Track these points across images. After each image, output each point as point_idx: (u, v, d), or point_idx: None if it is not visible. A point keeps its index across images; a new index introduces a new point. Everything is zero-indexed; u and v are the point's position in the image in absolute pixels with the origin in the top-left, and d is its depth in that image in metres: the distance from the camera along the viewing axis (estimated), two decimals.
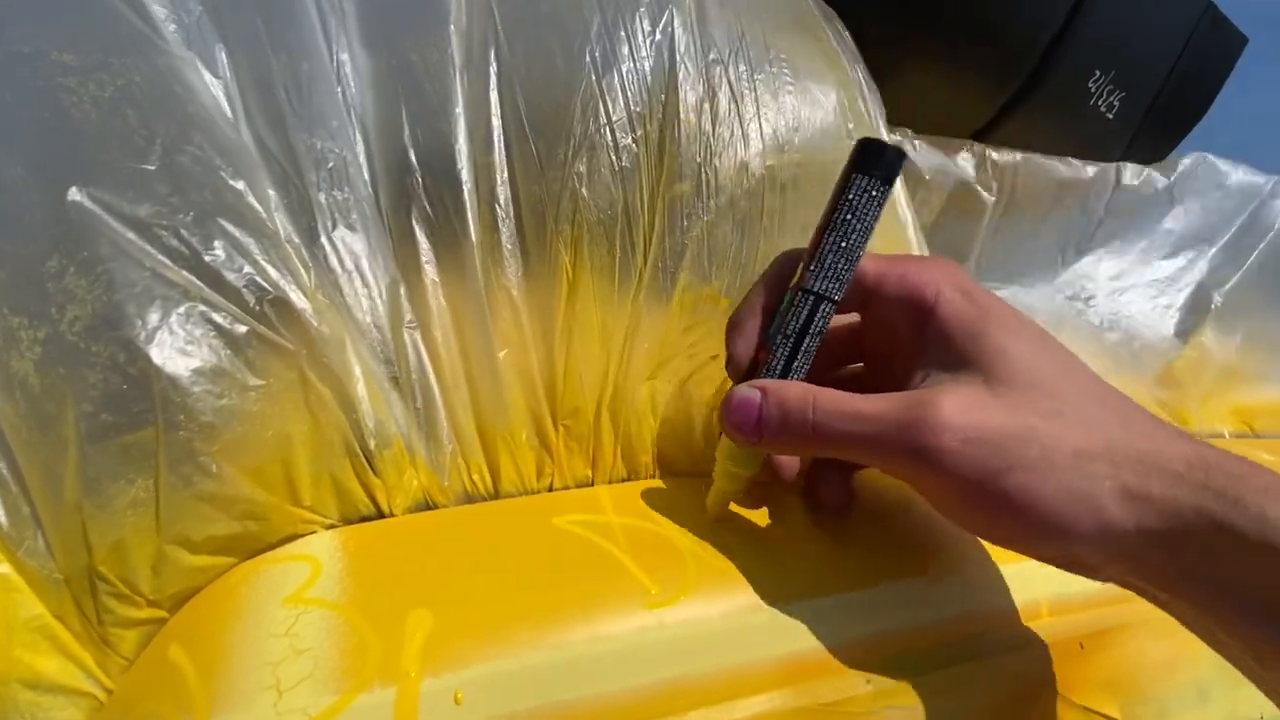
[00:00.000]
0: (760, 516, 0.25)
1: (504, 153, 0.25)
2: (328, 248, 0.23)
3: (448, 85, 0.25)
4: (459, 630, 0.19)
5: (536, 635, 0.19)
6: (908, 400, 0.20)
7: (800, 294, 0.22)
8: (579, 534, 0.22)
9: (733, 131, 0.26)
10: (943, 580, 0.24)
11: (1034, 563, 0.26)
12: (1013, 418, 0.19)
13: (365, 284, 0.24)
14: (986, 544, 0.26)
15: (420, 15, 0.25)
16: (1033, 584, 0.26)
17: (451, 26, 0.26)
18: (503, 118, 0.25)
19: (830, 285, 0.22)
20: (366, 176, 0.25)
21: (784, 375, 0.22)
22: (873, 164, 0.21)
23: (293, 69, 0.24)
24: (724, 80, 0.26)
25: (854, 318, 0.24)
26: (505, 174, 0.25)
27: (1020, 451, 0.18)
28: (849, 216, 0.21)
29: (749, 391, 0.22)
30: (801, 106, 0.27)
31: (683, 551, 0.22)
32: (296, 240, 0.22)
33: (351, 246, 0.24)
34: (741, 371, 0.23)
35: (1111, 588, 0.27)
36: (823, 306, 0.22)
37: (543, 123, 0.25)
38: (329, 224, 0.23)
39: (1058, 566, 0.21)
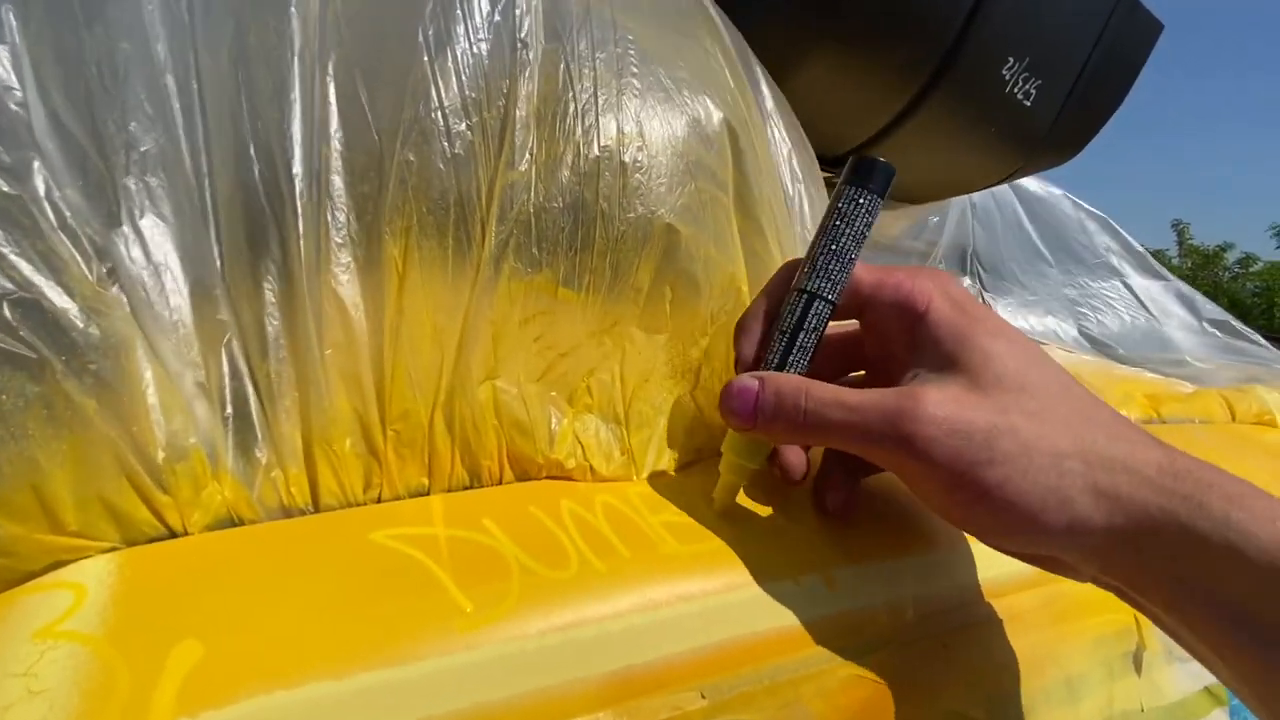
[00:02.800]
0: (604, 519, 0.23)
1: (340, 141, 0.23)
2: (130, 236, 0.21)
3: (285, 71, 0.23)
4: (231, 662, 0.17)
5: (324, 665, 0.17)
6: (895, 393, 0.21)
7: (795, 294, 0.24)
8: (396, 549, 0.21)
9: (570, 116, 0.24)
10: (799, 583, 0.23)
11: (901, 561, 0.25)
12: (994, 415, 0.20)
13: (174, 278, 0.22)
14: (854, 544, 0.25)
15: None
16: (900, 582, 0.25)
17: (293, 9, 0.24)
18: (339, 104, 0.23)
19: (822, 284, 0.24)
20: (193, 165, 0.23)
21: (780, 368, 0.24)
22: (863, 178, 0.24)
23: (109, 47, 0.22)
24: (565, 63, 0.25)
25: (853, 325, 0.26)
26: (340, 164, 0.23)
27: (1000, 446, 0.20)
28: (838, 223, 0.24)
29: (748, 380, 0.24)
30: (649, 91, 0.26)
31: (510, 565, 0.21)
32: (76, 228, 0.20)
33: (160, 237, 0.22)
34: (747, 369, 0.25)
35: (973, 588, 0.26)
36: (816, 304, 0.24)
37: (379, 109, 0.23)
38: (135, 211, 0.21)
39: (1036, 565, 0.22)
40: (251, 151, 0.23)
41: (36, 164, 0.20)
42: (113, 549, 0.20)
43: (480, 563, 0.21)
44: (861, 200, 0.24)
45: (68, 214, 0.20)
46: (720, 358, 0.28)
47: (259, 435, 0.22)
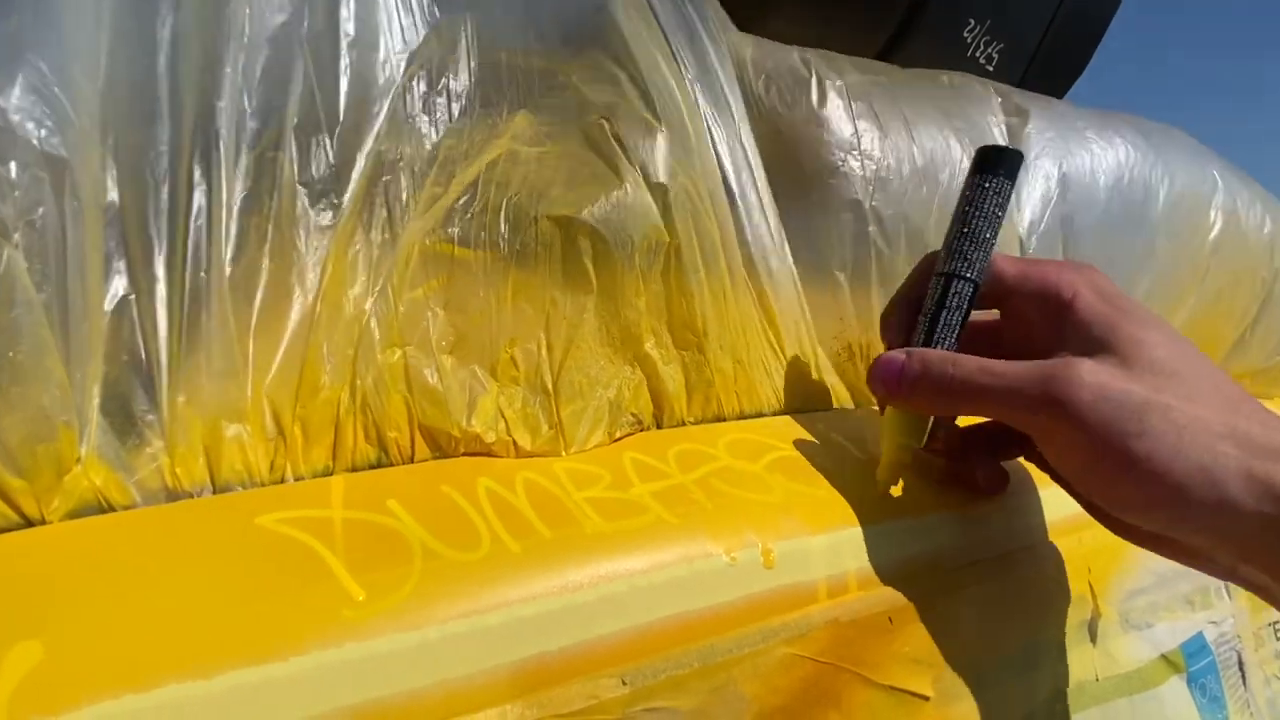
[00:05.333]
0: (524, 496, 0.22)
1: (254, 114, 0.22)
2: (39, 181, 0.19)
3: (219, 43, 0.22)
4: (75, 664, 0.15)
5: (186, 663, 0.16)
6: (1047, 364, 0.21)
7: (934, 279, 0.25)
8: (283, 533, 0.19)
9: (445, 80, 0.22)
10: (734, 559, 0.22)
11: (845, 533, 0.24)
12: (1148, 391, 0.20)
13: (75, 239, 0.19)
14: (789, 507, 0.24)
15: None
16: (841, 557, 0.24)
17: None
18: (247, 73, 0.22)
19: (959, 265, 0.24)
20: (104, 121, 0.20)
21: (927, 344, 0.24)
22: (990, 165, 0.25)
23: None
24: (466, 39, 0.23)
25: (994, 314, 0.26)
26: (250, 138, 0.22)
27: (1152, 420, 0.19)
28: (967, 209, 0.25)
29: (895, 352, 0.24)
30: (549, 59, 0.24)
31: (413, 548, 0.19)
32: None
33: (67, 190, 0.19)
34: None
35: (920, 559, 0.25)
36: (955, 284, 0.24)
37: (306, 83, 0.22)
38: (42, 159, 0.19)
39: (1165, 554, 0.22)
40: (179, 116, 0.21)
41: None
42: None
43: (377, 547, 0.19)
44: (988, 185, 0.24)
45: None
46: (663, 316, 0.26)
47: (149, 411, 0.20)
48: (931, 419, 0.26)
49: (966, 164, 0.35)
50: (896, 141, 0.33)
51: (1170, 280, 0.45)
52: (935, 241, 0.34)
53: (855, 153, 0.32)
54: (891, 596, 0.24)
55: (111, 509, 0.19)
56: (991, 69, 0.56)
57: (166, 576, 0.17)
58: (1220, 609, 0.33)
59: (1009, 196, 0.25)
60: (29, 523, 0.18)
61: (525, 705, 0.18)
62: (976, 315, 0.25)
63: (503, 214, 0.22)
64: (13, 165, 0.19)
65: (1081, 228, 0.41)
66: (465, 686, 0.17)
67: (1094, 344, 0.21)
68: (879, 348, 0.33)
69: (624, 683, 0.19)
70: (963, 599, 0.25)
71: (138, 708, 0.15)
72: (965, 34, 0.53)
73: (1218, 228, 0.46)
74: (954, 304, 0.24)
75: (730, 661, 0.20)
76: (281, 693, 0.16)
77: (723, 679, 0.20)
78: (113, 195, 0.21)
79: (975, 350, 0.26)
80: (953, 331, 0.24)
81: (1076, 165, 0.42)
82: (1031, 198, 0.39)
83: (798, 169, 0.32)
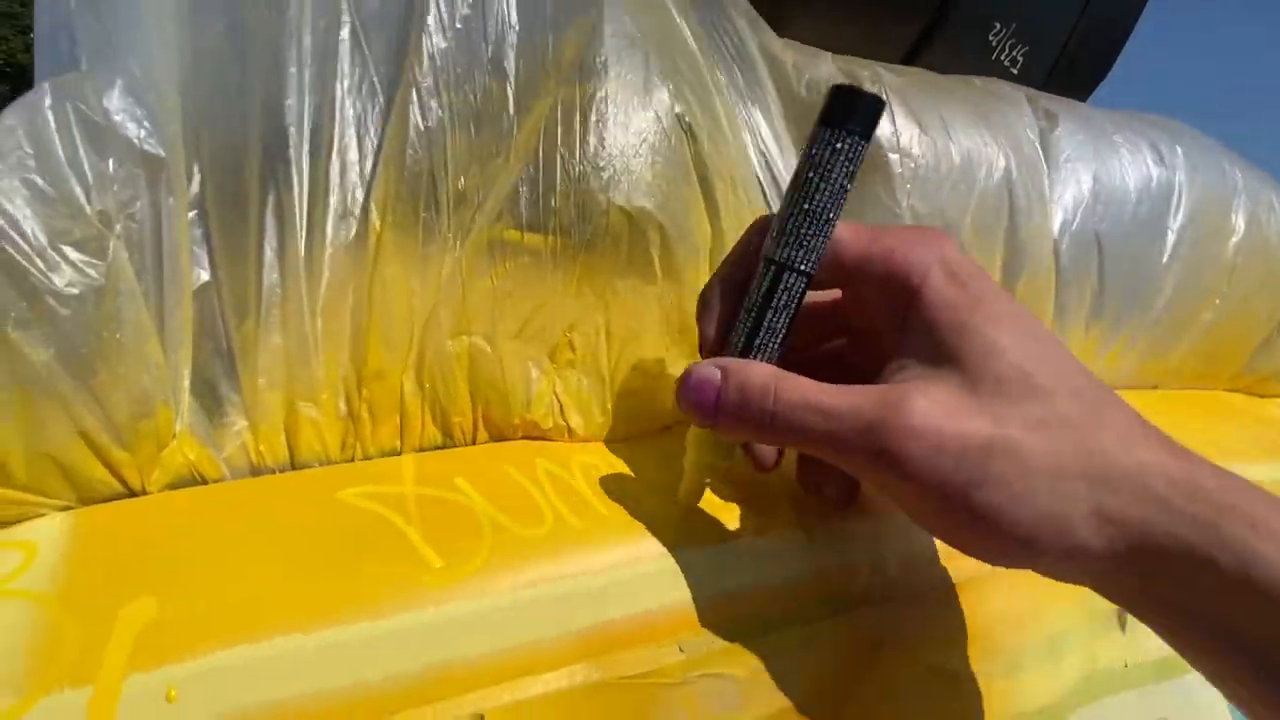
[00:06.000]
0: (581, 478, 0.23)
1: (339, 113, 0.23)
2: (128, 178, 0.20)
3: (284, 46, 0.23)
4: (187, 619, 0.16)
5: (284, 619, 0.17)
6: (878, 397, 0.18)
7: (763, 263, 0.20)
8: (363, 507, 0.20)
9: (535, 82, 0.24)
10: (782, 538, 0.23)
11: (882, 517, 0.25)
12: (990, 426, 0.17)
13: (167, 231, 0.21)
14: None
15: None
16: (882, 539, 0.25)
17: None
18: (339, 63, 0.23)
19: (794, 253, 0.20)
20: (190, 121, 0.22)
21: (746, 353, 0.20)
22: (841, 116, 0.19)
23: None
24: (542, 33, 0.24)
25: (835, 294, 0.23)
26: (336, 135, 0.23)
27: (994, 466, 0.17)
28: (812, 175, 0.19)
29: (709, 370, 0.20)
30: (618, 57, 0.25)
31: (482, 522, 0.20)
32: (83, 162, 0.19)
33: (155, 187, 0.21)
34: (711, 351, 0.22)
35: None
36: (787, 277, 0.20)
37: (373, 82, 0.23)
38: (134, 158, 0.20)
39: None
40: (253, 115, 0.22)
41: (48, 100, 0.19)
42: (67, 507, 0.19)
43: (450, 520, 0.20)
44: (840, 145, 0.19)
45: (80, 142, 0.19)
46: None
47: (235, 393, 0.21)
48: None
49: (1003, 164, 0.36)
50: (934, 140, 0.34)
51: (1195, 284, 0.46)
52: (971, 239, 0.35)
53: (894, 151, 0.33)
54: (929, 579, 0.24)
55: (204, 481, 0.21)
56: (1016, 71, 0.56)
57: (262, 543, 0.19)
58: None
59: (861, 163, 0.20)
60: (132, 493, 0.20)
61: (590, 667, 0.19)
62: (816, 296, 0.22)
63: (572, 200, 0.23)
64: (112, 162, 0.20)
65: (1111, 231, 0.41)
66: (535, 649, 0.18)
67: (937, 352, 0.19)
68: None
69: (681, 650, 0.20)
70: (997, 584, 0.25)
71: (250, 657, 0.16)
72: (991, 37, 0.54)
73: (1240, 232, 0.47)
74: (783, 302, 0.20)
75: (781, 633, 0.21)
76: (371, 649, 0.17)
77: (773, 649, 0.21)
78: (195, 189, 0.22)
79: (821, 331, 0.24)
80: (777, 336, 0.20)
81: (1106, 169, 0.43)
82: (1064, 200, 0.40)
83: None
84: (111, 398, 0.19)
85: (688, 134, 0.26)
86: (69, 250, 0.18)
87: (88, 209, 0.19)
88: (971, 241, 0.34)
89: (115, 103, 0.20)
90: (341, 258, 0.22)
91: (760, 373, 0.20)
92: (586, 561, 0.20)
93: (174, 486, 0.20)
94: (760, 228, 0.21)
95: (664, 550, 0.21)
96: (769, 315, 0.20)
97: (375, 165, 0.22)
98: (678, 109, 0.26)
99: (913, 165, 0.33)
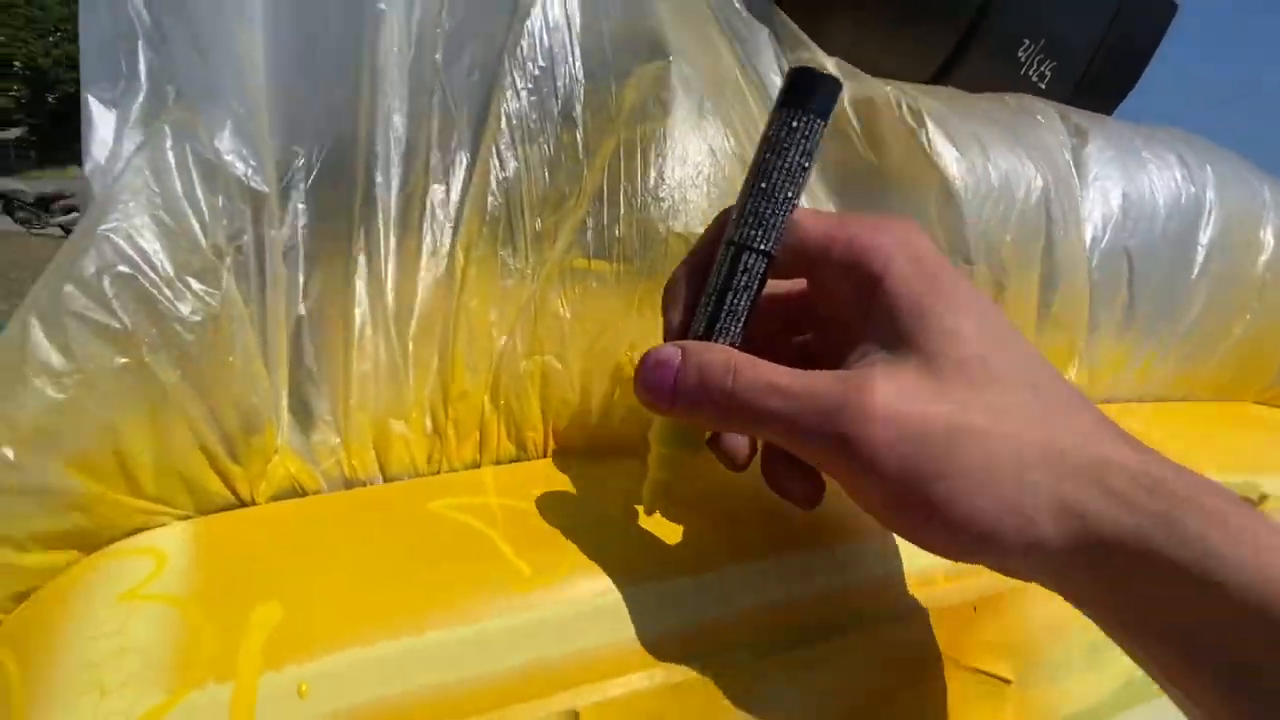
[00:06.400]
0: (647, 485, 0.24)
1: (430, 148, 0.25)
2: (242, 214, 0.22)
3: (378, 106, 0.24)
4: (309, 621, 0.18)
5: (394, 623, 0.18)
6: (840, 380, 0.18)
7: (723, 246, 0.20)
8: (453, 517, 0.22)
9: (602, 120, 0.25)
10: (832, 551, 0.24)
11: None
12: (952, 413, 0.17)
13: (270, 259, 0.23)
14: None
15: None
16: (925, 553, 0.26)
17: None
18: (430, 123, 0.25)
19: (753, 233, 0.19)
20: (294, 154, 0.24)
21: (708, 335, 0.20)
22: (798, 97, 0.19)
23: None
24: (610, 89, 0.26)
25: (801, 283, 0.22)
26: (426, 170, 0.25)
27: (956, 456, 0.17)
28: (769, 155, 0.19)
29: (667, 351, 0.20)
30: (673, 104, 0.27)
31: (563, 531, 0.22)
32: (200, 198, 0.21)
33: (262, 220, 0.23)
34: (676, 337, 0.21)
35: None
36: (746, 257, 0.20)
37: (454, 131, 0.25)
38: (245, 193, 0.22)
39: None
40: (356, 152, 0.24)
41: (168, 142, 0.20)
42: (185, 517, 0.21)
43: (534, 530, 0.22)
44: (796, 125, 0.19)
45: (196, 180, 0.21)
46: None
47: (329, 412, 0.23)
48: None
49: (1040, 183, 0.37)
50: (973, 161, 0.35)
51: (1224, 299, 0.47)
52: (1010, 258, 0.36)
53: (933, 171, 0.34)
54: (976, 588, 0.26)
55: (304, 493, 0.22)
56: (1043, 86, 0.57)
57: (366, 551, 0.20)
58: None
59: (819, 142, 0.19)
60: (242, 503, 0.21)
61: (669, 670, 0.20)
62: (781, 285, 0.22)
63: (635, 229, 0.25)
64: (222, 198, 0.22)
65: (1141, 247, 0.42)
66: (619, 651, 0.20)
67: (899, 337, 0.18)
68: None
69: (751, 653, 0.21)
70: (1037, 594, 0.26)
71: (363, 657, 0.18)
72: (1020, 53, 0.55)
73: (1270, 248, 0.48)
74: (743, 283, 0.20)
75: (843, 639, 0.22)
76: (473, 650, 0.19)
77: (835, 653, 0.22)
78: (295, 223, 0.24)
79: (783, 322, 0.23)
80: (739, 318, 0.20)
81: (1135, 185, 0.43)
82: (1093, 217, 0.41)
83: (876, 188, 0.34)
84: (227, 415, 0.21)
85: (741, 164, 0.28)
86: (191, 280, 0.20)
87: (204, 242, 0.21)
88: (1010, 259, 0.35)
89: (225, 143, 0.22)
90: (431, 292, 0.24)
91: (720, 353, 0.19)
92: (653, 571, 0.21)
93: (277, 498, 0.22)
94: (724, 217, 0.21)
95: (731, 558, 0.22)
96: (730, 296, 0.20)
97: (460, 211, 0.24)
98: (730, 141, 0.28)
99: (952, 186, 0.34)
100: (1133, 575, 0.16)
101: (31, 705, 0.16)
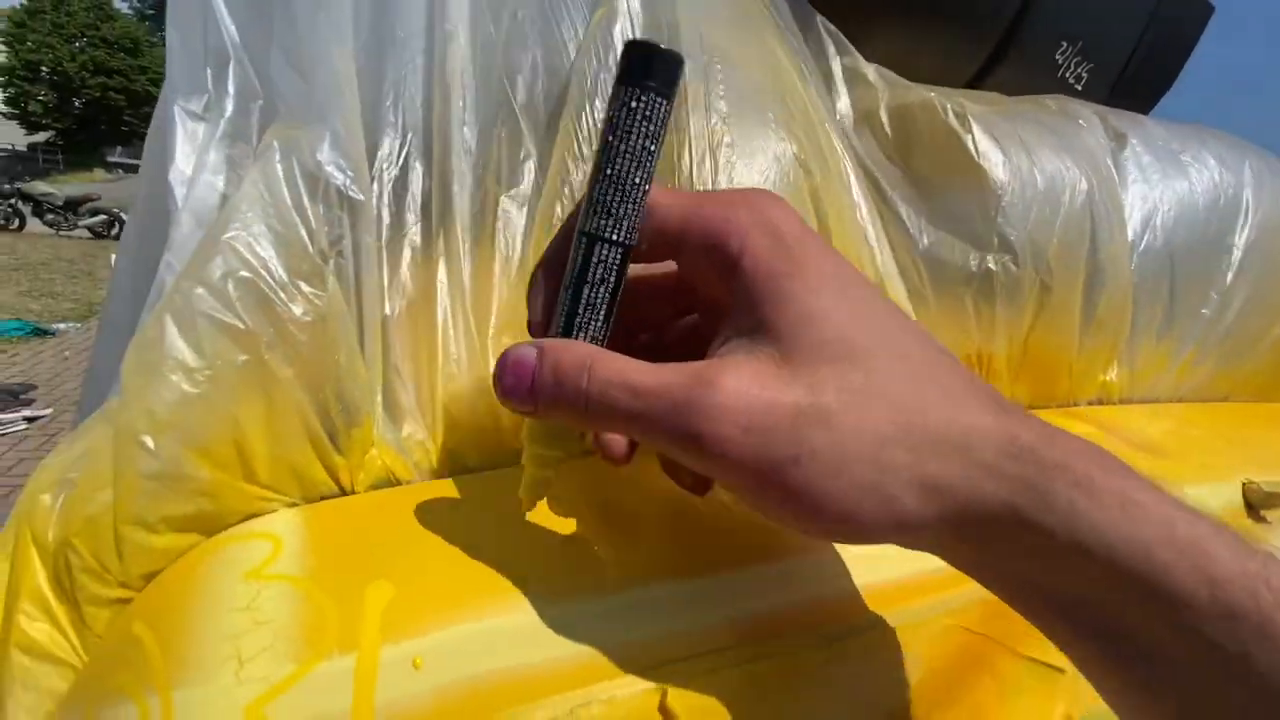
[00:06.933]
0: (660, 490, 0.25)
1: (502, 156, 0.27)
2: (343, 223, 0.24)
3: (457, 98, 0.26)
4: (418, 600, 0.19)
5: (495, 602, 0.20)
6: (691, 374, 0.17)
7: (575, 236, 0.19)
8: (539, 506, 0.23)
9: (675, 128, 0.26)
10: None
11: None
12: (804, 396, 0.16)
13: (362, 266, 0.24)
14: None
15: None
16: None
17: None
18: (500, 127, 0.26)
19: (603, 223, 0.18)
20: (390, 166, 0.26)
21: (568, 332, 0.19)
22: (636, 75, 0.18)
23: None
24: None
25: (670, 266, 0.21)
26: (501, 173, 0.27)
27: (807, 438, 0.16)
28: (611, 138, 0.18)
29: (525, 350, 0.19)
30: (739, 103, 0.28)
31: (646, 519, 0.23)
32: (307, 206, 0.22)
33: (358, 228, 0.24)
34: (537, 334, 0.20)
35: None
36: (600, 249, 0.18)
37: (529, 143, 0.26)
38: (346, 202, 0.24)
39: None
40: (427, 159, 0.26)
41: (277, 156, 0.22)
42: (293, 504, 0.22)
43: (618, 517, 0.23)
44: (635, 105, 0.18)
45: (303, 191, 0.22)
46: None
47: (416, 407, 0.24)
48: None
49: (1084, 186, 0.38)
50: (1018, 164, 0.36)
51: (1264, 299, 0.47)
52: (1057, 261, 0.36)
53: (979, 175, 0.35)
54: None
55: (398, 483, 0.24)
56: (1080, 88, 0.58)
57: (464, 534, 0.22)
58: None
59: (665, 122, 0.18)
60: (343, 491, 0.23)
61: (746, 652, 0.21)
62: (654, 269, 0.21)
63: None
64: (323, 206, 0.23)
65: (1180, 248, 0.43)
66: (700, 632, 0.21)
67: (758, 324, 0.17)
68: (1000, 359, 0.36)
69: (821, 637, 0.22)
70: None
71: (471, 634, 0.19)
72: (1058, 55, 0.55)
73: None
74: (598, 275, 0.19)
75: (904, 628, 0.23)
76: (567, 628, 0.20)
77: (898, 640, 0.23)
78: (378, 228, 0.25)
79: (669, 305, 0.22)
80: (599, 311, 0.19)
81: (1174, 187, 0.44)
82: (1133, 219, 0.41)
83: (924, 191, 0.35)
84: (333, 409, 0.22)
85: (804, 170, 0.29)
86: (301, 283, 0.22)
87: (311, 247, 0.22)
88: (1056, 262, 0.36)
89: (325, 155, 0.23)
90: (506, 297, 0.25)
91: (577, 351, 0.18)
92: (733, 557, 0.23)
93: (375, 488, 0.23)
94: (579, 206, 0.20)
95: (796, 547, 0.24)
96: (586, 291, 0.19)
97: (532, 218, 0.26)
98: (793, 149, 0.29)
99: (999, 190, 0.35)
100: (1006, 546, 0.16)
101: (176, 673, 0.17)
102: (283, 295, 0.21)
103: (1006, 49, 0.51)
